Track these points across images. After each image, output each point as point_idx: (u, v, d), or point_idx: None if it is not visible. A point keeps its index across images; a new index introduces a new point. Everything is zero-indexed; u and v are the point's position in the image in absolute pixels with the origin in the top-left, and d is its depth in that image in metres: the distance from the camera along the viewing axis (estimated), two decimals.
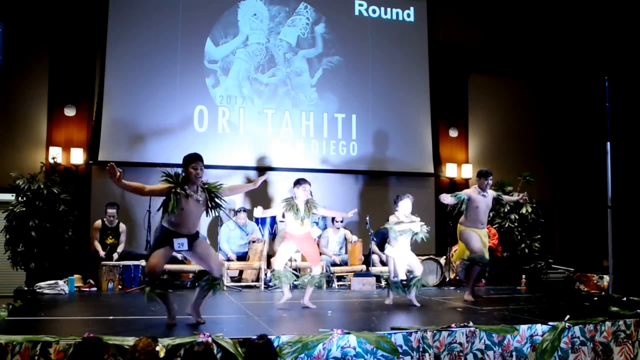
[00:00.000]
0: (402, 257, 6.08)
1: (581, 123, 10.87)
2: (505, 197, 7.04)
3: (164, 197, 4.52)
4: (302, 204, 5.79)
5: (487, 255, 6.47)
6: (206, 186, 4.72)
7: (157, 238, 4.68)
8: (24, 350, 3.55)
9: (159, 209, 4.59)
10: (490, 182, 6.52)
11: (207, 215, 4.82)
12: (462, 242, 6.60)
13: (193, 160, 4.63)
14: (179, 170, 4.66)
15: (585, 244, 10.19)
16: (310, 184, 5.89)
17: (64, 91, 8.81)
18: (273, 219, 8.63)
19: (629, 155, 9.46)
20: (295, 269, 7.25)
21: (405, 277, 6.08)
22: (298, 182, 5.85)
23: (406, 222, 6.04)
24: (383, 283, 7.15)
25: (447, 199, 6.37)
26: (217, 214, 4.88)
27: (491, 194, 6.58)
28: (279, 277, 5.79)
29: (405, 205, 6.10)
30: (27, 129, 8.72)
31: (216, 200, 4.71)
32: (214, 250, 5.04)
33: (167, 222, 4.57)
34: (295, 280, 5.95)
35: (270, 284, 7.03)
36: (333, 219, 8.45)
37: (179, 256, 7.82)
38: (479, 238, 6.42)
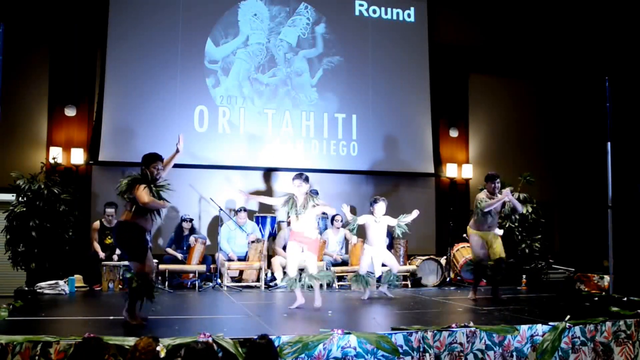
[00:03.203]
0: (378, 255, 6.58)
1: (581, 123, 10.87)
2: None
3: (138, 196, 4.58)
4: (300, 199, 5.70)
5: (500, 255, 6.48)
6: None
7: (138, 238, 4.71)
8: (25, 350, 3.55)
9: (133, 207, 4.62)
10: (498, 185, 6.55)
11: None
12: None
13: (155, 159, 4.82)
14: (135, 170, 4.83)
15: (586, 244, 10.19)
16: (304, 180, 5.72)
17: (64, 91, 8.81)
18: (273, 218, 8.65)
19: (629, 155, 9.45)
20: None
21: (380, 273, 6.66)
22: (293, 178, 5.78)
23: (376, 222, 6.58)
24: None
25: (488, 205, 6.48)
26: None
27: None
28: (291, 283, 5.64)
29: (379, 208, 6.61)
30: (27, 129, 8.72)
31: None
32: None
33: (143, 221, 4.69)
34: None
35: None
36: (332, 219, 8.46)
37: (179, 256, 7.85)
38: (483, 242, 6.51)
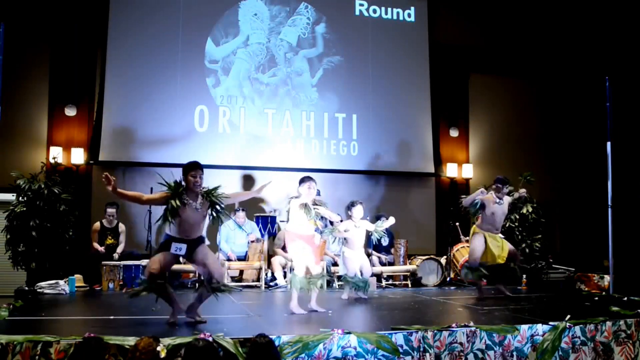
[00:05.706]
0: (355, 259, 6.58)
1: (581, 123, 10.87)
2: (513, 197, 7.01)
3: (164, 206, 4.58)
4: (310, 202, 5.46)
5: (499, 260, 6.54)
6: (206, 193, 4.70)
7: (160, 244, 4.79)
8: (25, 350, 3.55)
9: (158, 220, 4.66)
10: (506, 190, 6.65)
11: (211, 222, 4.85)
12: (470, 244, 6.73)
13: (192, 168, 4.65)
14: (178, 179, 4.70)
15: (586, 243, 10.18)
16: (315, 182, 5.56)
17: (64, 91, 8.82)
18: (273, 218, 8.62)
19: (629, 155, 9.45)
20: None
21: (357, 276, 6.57)
22: (303, 180, 5.53)
23: (353, 228, 6.53)
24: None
25: (465, 200, 6.67)
26: (220, 220, 4.89)
27: (507, 200, 6.70)
28: (302, 284, 5.33)
29: (357, 211, 6.62)
30: (27, 128, 8.72)
31: (217, 207, 4.72)
32: (214, 255, 5.02)
33: (170, 229, 4.64)
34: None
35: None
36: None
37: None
38: (486, 243, 6.55)
